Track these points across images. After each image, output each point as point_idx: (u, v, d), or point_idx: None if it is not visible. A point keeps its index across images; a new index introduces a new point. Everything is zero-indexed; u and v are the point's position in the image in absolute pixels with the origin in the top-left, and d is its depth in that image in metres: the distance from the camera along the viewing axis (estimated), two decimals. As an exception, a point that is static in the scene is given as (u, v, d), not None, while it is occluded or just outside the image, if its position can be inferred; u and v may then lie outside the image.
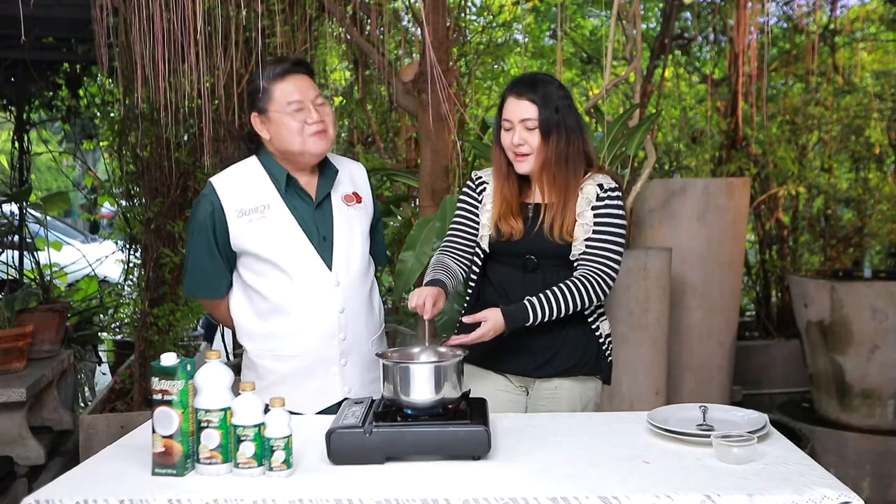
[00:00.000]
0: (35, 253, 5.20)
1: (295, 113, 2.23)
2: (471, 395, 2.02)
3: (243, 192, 2.28)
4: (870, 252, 6.14)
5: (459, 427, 1.81)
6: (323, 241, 2.27)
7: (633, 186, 3.63)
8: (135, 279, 5.02)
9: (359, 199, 2.40)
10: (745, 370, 5.12)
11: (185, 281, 2.39)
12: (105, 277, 6.41)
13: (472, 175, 2.51)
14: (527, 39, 6.47)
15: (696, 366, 4.21)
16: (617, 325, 3.40)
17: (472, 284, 2.44)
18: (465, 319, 2.18)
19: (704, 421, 1.98)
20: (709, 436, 1.84)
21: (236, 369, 2.29)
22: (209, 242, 2.27)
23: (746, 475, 1.69)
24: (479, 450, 1.80)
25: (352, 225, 2.34)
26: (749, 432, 1.84)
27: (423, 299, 2.13)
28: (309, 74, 2.31)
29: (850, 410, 4.27)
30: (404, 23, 4.96)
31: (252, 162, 2.34)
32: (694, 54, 6.87)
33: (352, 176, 2.43)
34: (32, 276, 5.16)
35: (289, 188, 2.29)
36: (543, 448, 1.89)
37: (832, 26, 6.11)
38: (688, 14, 6.59)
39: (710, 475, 1.70)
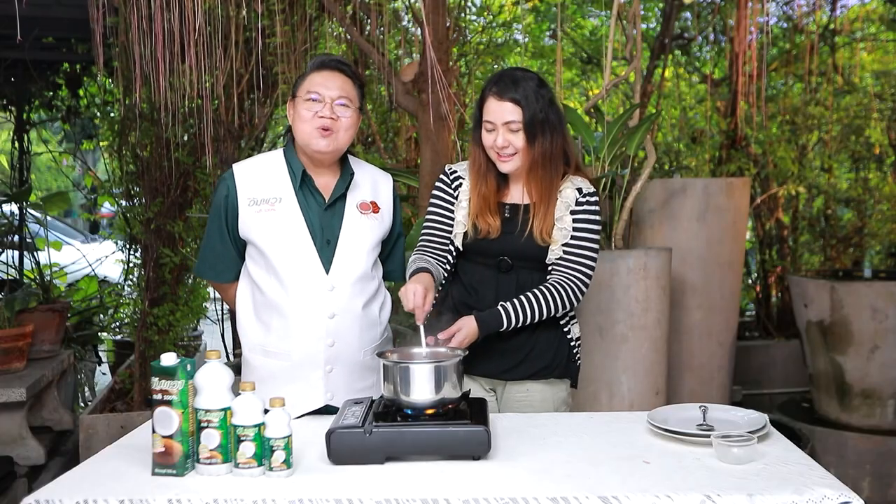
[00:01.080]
0: (35, 253, 5.20)
1: (310, 103, 2.23)
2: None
3: (260, 182, 2.29)
4: (870, 252, 6.14)
5: (459, 427, 1.81)
6: (326, 245, 2.25)
7: (633, 186, 3.63)
8: (135, 279, 5.03)
9: (376, 209, 2.35)
10: (745, 370, 5.12)
11: (197, 259, 2.44)
12: (105, 277, 6.42)
13: (446, 168, 2.44)
14: (527, 39, 6.47)
15: (696, 366, 4.21)
16: (617, 325, 3.40)
17: (442, 283, 2.39)
18: (440, 336, 2.11)
19: (704, 421, 1.98)
20: (709, 436, 1.84)
21: (236, 369, 2.28)
22: (221, 226, 2.31)
23: (746, 475, 1.69)
24: (479, 450, 1.80)
25: (361, 233, 2.30)
26: (749, 432, 1.84)
27: (421, 298, 2.05)
28: (350, 77, 2.28)
29: (850, 410, 4.27)
30: (404, 23, 4.97)
31: (276, 153, 2.36)
32: (694, 54, 6.86)
33: (375, 185, 2.40)
34: (32, 276, 5.16)
35: (303, 185, 2.28)
36: (543, 448, 1.89)
37: (832, 26, 6.11)
38: (688, 14, 6.59)
39: (710, 475, 1.70)
